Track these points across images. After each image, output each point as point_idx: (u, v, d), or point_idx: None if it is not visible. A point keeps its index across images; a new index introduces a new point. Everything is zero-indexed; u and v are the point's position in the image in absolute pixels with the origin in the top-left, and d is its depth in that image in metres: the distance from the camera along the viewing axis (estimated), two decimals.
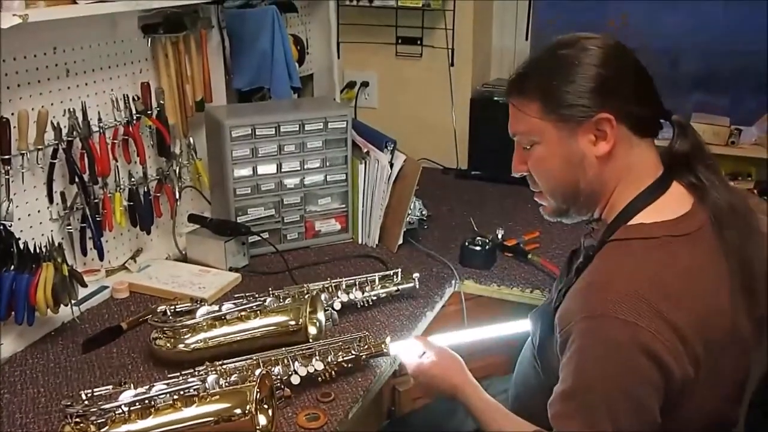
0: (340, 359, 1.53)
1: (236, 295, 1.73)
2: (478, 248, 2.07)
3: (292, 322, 1.61)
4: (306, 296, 1.69)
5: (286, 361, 1.50)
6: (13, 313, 1.61)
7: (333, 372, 1.52)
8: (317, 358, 1.51)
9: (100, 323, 1.75)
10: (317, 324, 1.66)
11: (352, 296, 1.81)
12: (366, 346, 1.57)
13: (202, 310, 1.63)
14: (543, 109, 1.30)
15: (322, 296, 1.76)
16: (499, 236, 2.17)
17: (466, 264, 2.07)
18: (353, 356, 1.55)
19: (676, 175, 1.32)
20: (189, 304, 1.68)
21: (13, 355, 1.63)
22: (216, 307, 1.64)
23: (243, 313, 1.62)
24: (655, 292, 1.17)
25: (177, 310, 1.67)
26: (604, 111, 1.26)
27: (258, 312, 1.63)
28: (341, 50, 2.89)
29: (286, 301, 1.68)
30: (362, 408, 1.51)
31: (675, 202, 1.29)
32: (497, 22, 2.98)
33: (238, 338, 1.60)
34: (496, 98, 2.70)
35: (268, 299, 1.65)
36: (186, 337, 1.59)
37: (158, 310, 1.67)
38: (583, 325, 1.19)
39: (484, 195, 2.60)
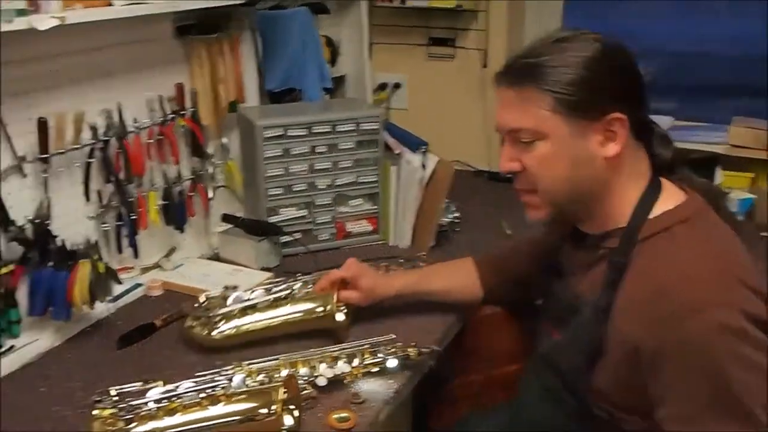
0: (367, 362, 1.54)
1: (266, 281, 1.80)
2: None
3: (320, 309, 1.65)
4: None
5: (312, 362, 1.51)
6: (50, 308, 1.64)
7: (360, 374, 1.52)
8: (344, 360, 1.52)
9: (134, 320, 1.77)
10: (344, 310, 1.69)
11: None
12: (393, 350, 1.57)
13: (234, 296, 1.68)
14: (556, 103, 1.24)
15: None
16: None
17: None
18: (380, 359, 1.55)
19: (661, 175, 1.33)
20: (222, 291, 1.73)
21: (50, 350, 1.65)
22: (247, 294, 1.70)
23: (273, 301, 1.67)
24: (729, 262, 1.18)
25: (211, 296, 1.72)
26: (618, 111, 1.24)
27: (287, 299, 1.68)
28: (373, 51, 2.90)
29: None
30: (392, 410, 1.51)
31: (672, 194, 1.30)
32: (530, 23, 2.97)
33: (268, 324, 1.65)
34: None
35: (297, 285, 1.72)
36: (218, 324, 1.63)
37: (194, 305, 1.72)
38: (685, 329, 1.14)
39: (517, 198, 2.58)
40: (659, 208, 1.28)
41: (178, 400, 1.32)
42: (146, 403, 1.31)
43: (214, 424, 1.31)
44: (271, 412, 1.29)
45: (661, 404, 1.20)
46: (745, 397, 1.13)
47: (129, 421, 1.29)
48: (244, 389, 1.36)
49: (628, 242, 1.27)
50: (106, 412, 1.30)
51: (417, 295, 1.76)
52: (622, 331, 1.23)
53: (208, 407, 1.32)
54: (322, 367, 1.49)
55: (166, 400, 1.32)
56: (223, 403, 1.32)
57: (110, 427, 1.28)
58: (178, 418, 1.30)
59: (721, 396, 1.14)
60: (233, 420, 1.31)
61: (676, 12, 2.82)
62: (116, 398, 1.34)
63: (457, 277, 1.77)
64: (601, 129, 1.25)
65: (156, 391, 1.33)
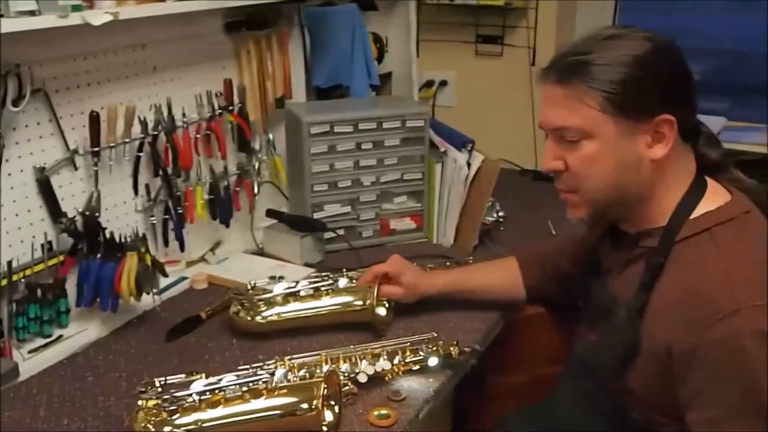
0: (408, 360, 1.54)
1: (312, 275, 1.84)
2: None
3: (360, 303, 1.68)
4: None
5: (353, 359, 1.51)
6: (98, 299, 1.67)
7: (401, 372, 1.53)
8: (385, 357, 1.52)
9: (180, 313, 1.80)
10: (385, 305, 1.70)
11: None
12: (435, 348, 1.57)
13: (280, 286, 1.71)
14: (605, 102, 1.21)
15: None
16: None
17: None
18: (422, 357, 1.55)
19: (707, 174, 1.30)
20: (267, 281, 1.77)
21: (97, 340, 1.68)
22: (293, 284, 1.72)
23: (315, 291, 1.71)
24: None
25: (256, 285, 1.75)
26: (667, 112, 1.21)
27: (330, 291, 1.71)
28: (420, 48, 2.89)
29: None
30: (433, 409, 1.51)
31: (716, 194, 1.27)
32: (580, 21, 2.93)
33: (309, 314, 1.69)
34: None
35: (342, 280, 1.74)
36: (262, 310, 1.68)
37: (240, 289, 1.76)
38: (719, 332, 1.12)
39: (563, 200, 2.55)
40: (701, 209, 1.25)
41: (221, 393, 1.34)
42: (189, 395, 1.33)
43: (255, 417, 1.32)
44: (312, 407, 1.30)
45: (690, 407, 1.18)
46: None
47: (172, 413, 1.31)
48: (286, 384, 1.37)
49: (666, 242, 1.25)
50: (150, 403, 1.32)
51: (459, 293, 1.75)
52: (654, 333, 1.22)
53: (250, 401, 1.33)
54: (363, 364, 1.50)
55: (209, 393, 1.33)
56: (264, 397, 1.33)
57: (154, 418, 1.30)
58: (220, 411, 1.32)
59: (750, 401, 1.11)
60: (274, 414, 1.32)
61: (732, 10, 2.76)
62: (160, 389, 1.35)
63: (500, 276, 1.77)
64: (650, 130, 1.22)
65: (199, 384, 1.35)
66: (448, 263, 1.99)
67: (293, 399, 1.33)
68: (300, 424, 1.32)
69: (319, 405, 1.30)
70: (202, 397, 1.33)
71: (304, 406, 1.31)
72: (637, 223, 1.31)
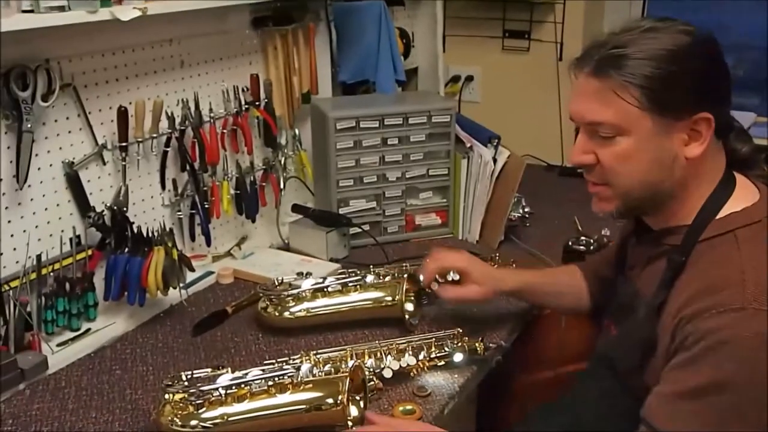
0: (433, 355, 1.53)
1: (339, 271, 1.85)
2: (581, 248, 2.02)
3: (389, 298, 1.68)
4: (404, 275, 1.74)
5: (378, 354, 1.51)
6: (125, 293, 1.68)
7: (426, 367, 1.53)
8: (410, 353, 1.52)
9: (206, 307, 1.81)
10: (414, 301, 1.71)
11: (449, 276, 1.81)
12: (460, 344, 1.56)
13: (308, 282, 1.72)
14: (644, 98, 1.17)
15: (421, 276, 1.78)
16: (605, 237, 2.12)
17: (568, 264, 2.02)
18: (446, 353, 1.55)
19: (736, 170, 1.27)
20: (295, 276, 1.77)
21: (125, 334, 1.70)
22: (320, 280, 1.73)
23: (343, 287, 1.71)
24: None
25: (284, 280, 1.76)
26: (705, 110, 1.18)
27: (358, 287, 1.71)
28: (447, 44, 2.88)
29: (386, 279, 1.75)
30: (458, 405, 1.50)
31: (745, 193, 1.24)
32: (608, 16, 2.91)
33: (337, 310, 1.70)
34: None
35: (369, 276, 1.74)
36: (291, 305, 1.68)
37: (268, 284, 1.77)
38: (715, 322, 1.10)
39: (590, 194, 2.53)
40: (728, 209, 1.22)
41: (246, 387, 1.34)
42: (216, 389, 1.33)
43: (281, 412, 1.32)
44: (338, 402, 1.30)
45: (659, 382, 1.17)
46: (734, 415, 1.09)
47: (199, 406, 1.31)
48: (311, 379, 1.37)
49: (690, 242, 1.22)
50: (177, 397, 1.33)
51: (529, 295, 1.68)
52: (667, 330, 1.20)
53: (276, 395, 1.33)
54: (389, 359, 1.50)
55: (234, 387, 1.34)
56: (290, 392, 1.34)
57: (181, 411, 1.31)
58: (246, 405, 1.32)
59: (713, 395, 1.10)
60: (300, 409, 1.32)
61: (760, 5, 2.72)
62: (186, 383, 1.36)
63: (568, 283, 1.67)
64: (686, 128, 1.19)
65: (225, 378, 1.35)
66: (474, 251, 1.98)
67: (319, 394, 1.33)
68: (325, 419, 1.32)
69: (345, 400, 1.30)
70: (228, 391, 1.33)
71: (330, 401, 1.31)
72: (663, 219, 1.29)
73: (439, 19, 2.73)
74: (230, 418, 1.31)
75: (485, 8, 2.88)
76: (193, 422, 1.30)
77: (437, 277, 1.68)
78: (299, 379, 1.36)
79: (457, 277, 1.66)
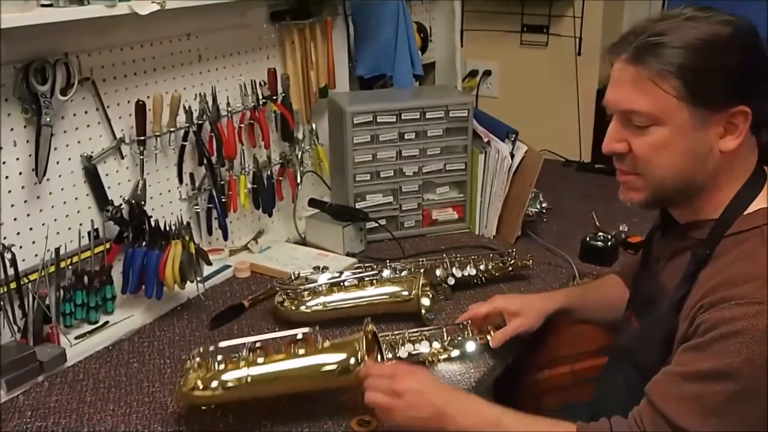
0: (446, 344, 1.56)
1: (356, 266, 1.85)
2: (599, 244, 2.01)
3: (405, 293, 1.69)
4: (421, 270, 1.75)
5: (392, 344, 1.54)
6: (143, 286, 1.69)
7: (440, 357, 1.54)
8: (424, 341, 1.55)
9: (223, 301, 1.81)
10: (430, 296, 1.71)
11: (466, 272, 1.85)
12: (472, 334, 1.58)
13: (324, 277, 1.73)
14: (683, 89, 1.14)
15: (437, 271, 1.82)
16: (623, 233, 2.11)
17: (586, 260, 2.01)
18: (458, 341, 1.57)
19: (765, 163, 1.25)
20: (311, 270, 1.78)
21: (142, 327, 1.71)
22: (336, 274, 1.74)
23: (360, 281, 1.72)
24: None
25: (300, 275, 1.77)
26: (743, 103, 1.15)
27: (374, 281, 1.72)
28: (464, 38, 2.87)
29: (402, 273, 1.76)
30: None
31: None
32: (628, 10, 2.88)
33: (354, 304, 1.70)
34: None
35: (386, 271, 1.75)
36: (307, 299, 1.69)
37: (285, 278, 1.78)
38: (732, 312, 1.09)
39: (607, 189, 2.47)
40: (756, 204, 1.21)
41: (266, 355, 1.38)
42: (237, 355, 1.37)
43: (300, 372, 1.36)
44: (358, 359, 1.35)
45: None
46: (734, 405, 1.08)
47: (221, 365, 1.34)
48: (330, 343, 1.40)
49: (716, 236, 1.20)
50: (197, 361, 1.36)
51: (577, 310, 1.64)
52: (685, 319, 1.18)
53: (295, 358, 1.37)
54: (403, 349, 1.53)
55: (258, 349, 1.38)
56: (305, 354, 1.38)
57: (203, 372, 1.33)
58: (265, 367, 1.35)
59: (714, 382, 1.09)
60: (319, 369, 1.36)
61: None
62: (212, 349, 1.39)
63: (613, 293, 1.62)
64: (723, 120, 1.17)
65: (249, 339, 1.40)
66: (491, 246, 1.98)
67: (340, 355, 1.37)
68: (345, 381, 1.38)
69: (363, 356, 1.35)
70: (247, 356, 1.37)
71: (352, 360, 1.35)
72: (691, 212, 1.27)
73: (457, 13, 2.72)
74: (250, 379, 1.33)
75: (503, 3, 2.87)
76: (214, 383, 1.32)
77: (490, 329, 1.61)
78: (319, 344, 1.39)
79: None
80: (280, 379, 1.35)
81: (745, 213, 1.20)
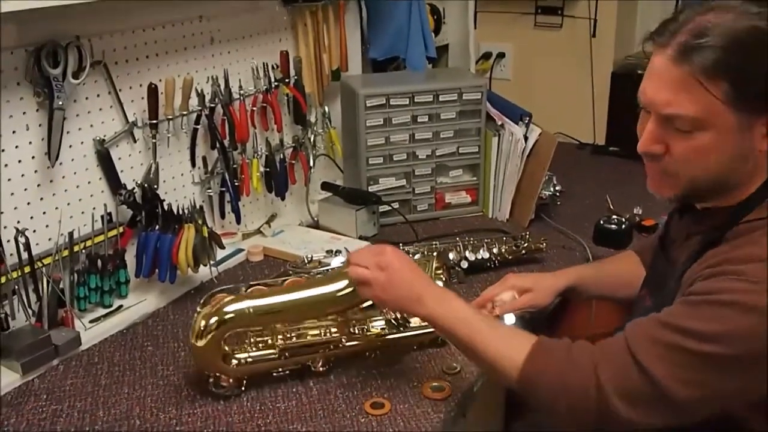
0: None
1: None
2: (613, 227, 1.99)
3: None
4: (434, 253, 1.74)
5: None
6: (156, 270, 1.69)
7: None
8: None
9: (236, 284, 1.81)
10: (443, 280, 1.68)
11: (479, 256, 1.84)
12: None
13: (337, 260, 1.73)
14: (731, 92, 1.08)
15: (450, 254, 1.81)
16: (637, 216, 2.09)
17: (600, 243, 2.00)
18: None
19: None
20: (324, 254, 1.78)
21: (156, 310, 1.71)
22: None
23: None
24: None
25: (313, 258, 1.77)
26: None
27: None
28: (478, 20, 2.84)
29: (416, 257, 1.74)
30: (486, 383, 1.49)
31: None
32: None
33: None
34: (641, 72, 2.59)
35: None
36: None
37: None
38: (726, 284, 1.08)
39: (622, 172, 2.51)
40: None
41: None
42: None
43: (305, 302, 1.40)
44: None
45: None
46: (701, 367, 1.08)
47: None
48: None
49: (728, 222, 1.19)
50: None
51: (591, 287, 1.63)
52: (684, 287, 1.18)
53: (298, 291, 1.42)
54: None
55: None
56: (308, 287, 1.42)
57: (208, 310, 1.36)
58: (269, 299, 1.39)
59: (687, 338, 1.09)
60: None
61: None
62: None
63: (629, 269, 1.61)
64: (766, 122, 1.13)
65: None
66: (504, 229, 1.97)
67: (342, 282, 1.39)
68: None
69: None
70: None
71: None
72: (715, 202, 1.26)
73: None
74: (253, 310, 1.36)
75: None
76: (213, 319, 1.35)
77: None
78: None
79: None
80: (284, 310, 1.39)
81: (763, 202, 1.18)
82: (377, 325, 1.49)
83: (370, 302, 1.40)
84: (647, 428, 1.14)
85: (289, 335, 1.44)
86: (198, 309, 1.40)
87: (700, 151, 1.14)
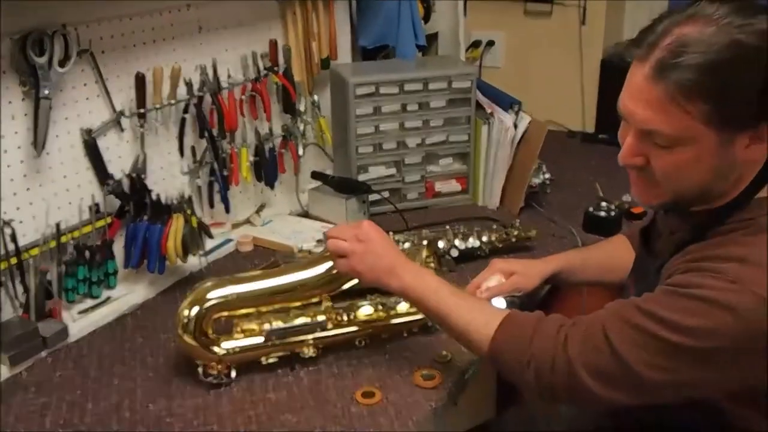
0: None
1: None
2: (603, 215, 2.00)
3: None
4: (424, 242, 1.74)
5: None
6: (145, 261, 1.68)
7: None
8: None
9: (225, 274, 1.80)
10: (433, 268, 1.68)
11: (469, 244, 1.84)
12: None
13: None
14: (712, 114, 1.06)
15: (440, 243, 1.81)
16: (626, 204, 2.09)
17: (589, 230, 2.00)
18: None
19: None
20: (314, 244, 1.79)
21: (145, 301, 1.70)
22: None
23: None
24: None
25: (304, 247, 1.78)
26: None
27: None
28: (468, 8, 2.83)
29: (405, 246, 1.75)
30: (478, 372, 1.50)
31: None
32: None
33: None
34: (630, 60, 2.58)
35: None
36: None
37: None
38: (705, 281, 1.08)
39: (611, 160, 2.44)
40: (759, 195, 1.18)
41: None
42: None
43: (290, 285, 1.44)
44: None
45: None
46: (670, 356, 1.09)
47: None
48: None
49: (713, 222, 1.18)
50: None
51: (578, 273, 1.62)
52: (662, 280, 1.19)
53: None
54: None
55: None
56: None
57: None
58: (254, 284, 1.44)
59: (661, 328, 1.09)
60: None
61: None
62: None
63: (618, 254, 1.58)
64: (750, 134, 1.11)
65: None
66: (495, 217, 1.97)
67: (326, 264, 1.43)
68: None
69: None
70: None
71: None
72: (700, 207, 1.25)
73: None
74: (239, 296, 1.41)
75: None
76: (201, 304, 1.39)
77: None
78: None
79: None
80: (266, 294, 1.43)
81: (754, 199, 1.18)
82: (364, 311, 1.50)
83: (352, 283, 1.43)
84: (618, 408, 1.17)
85: (275, 320, 1.44)
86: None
87: (681, 166, 1.13)
